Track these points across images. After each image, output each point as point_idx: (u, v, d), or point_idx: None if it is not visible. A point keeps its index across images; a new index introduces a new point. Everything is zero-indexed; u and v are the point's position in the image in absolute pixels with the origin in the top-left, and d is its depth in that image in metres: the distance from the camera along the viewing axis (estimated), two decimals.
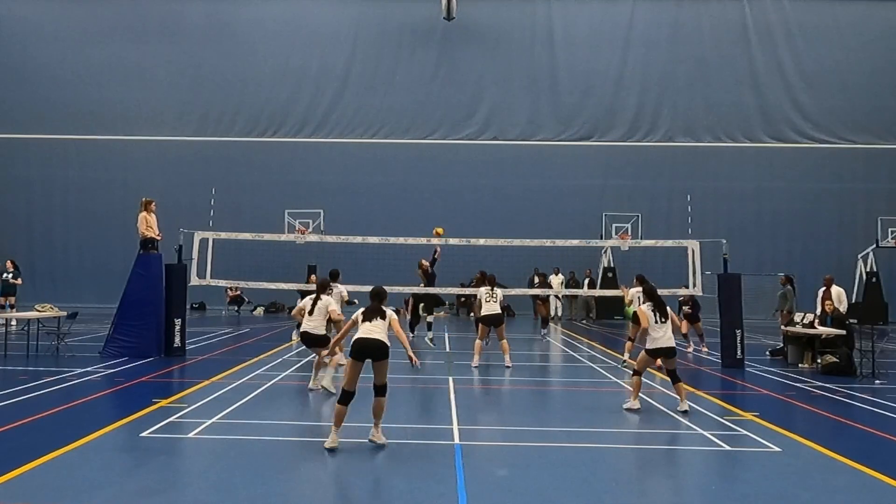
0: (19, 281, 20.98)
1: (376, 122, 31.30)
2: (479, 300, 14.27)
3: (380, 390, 7.67)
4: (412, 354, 7.79)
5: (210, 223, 25.99)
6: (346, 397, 7.59)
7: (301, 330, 10.86)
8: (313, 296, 10.90)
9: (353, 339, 7.80)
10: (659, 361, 10.67)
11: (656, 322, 9.91)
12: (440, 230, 17.96)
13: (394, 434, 8.32)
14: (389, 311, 8.00)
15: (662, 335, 9.86)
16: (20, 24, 31.49)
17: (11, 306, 20.18)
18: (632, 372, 10.36)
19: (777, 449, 7.71)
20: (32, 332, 14.36)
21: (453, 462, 7.01)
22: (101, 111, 30.86)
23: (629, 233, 26.66)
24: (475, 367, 13.51)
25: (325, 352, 10.18)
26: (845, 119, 30.63)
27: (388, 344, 7.73)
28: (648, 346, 9.97)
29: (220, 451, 7.44)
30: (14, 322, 16.65)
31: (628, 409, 9.76)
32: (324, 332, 10.65)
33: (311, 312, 10.65)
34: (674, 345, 9.98)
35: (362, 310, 8.03)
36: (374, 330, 7.76)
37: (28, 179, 31.06)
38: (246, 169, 30.70)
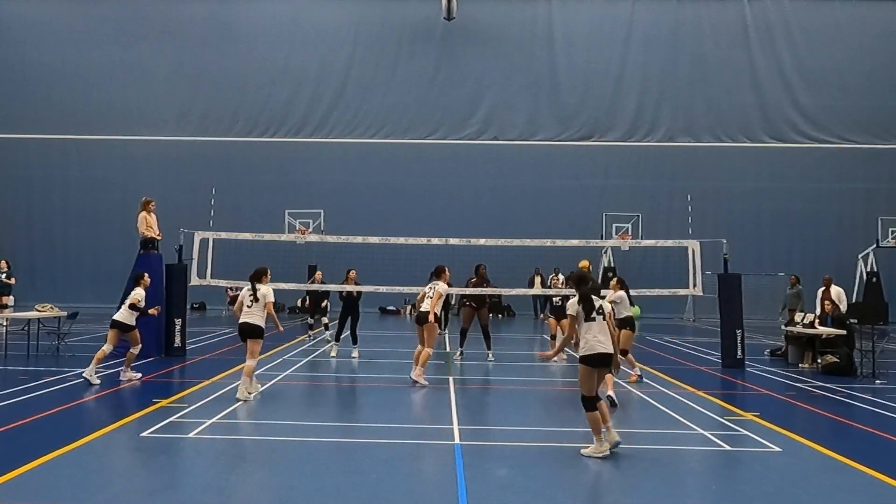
0: (13, 280, 21.03)
1: (376, 122, 31.31)
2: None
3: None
4: None
5: (210, 223, 26.00)
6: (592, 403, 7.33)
7: (241, 320, 10.27)
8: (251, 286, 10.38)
9: (591, 350, 7.37)
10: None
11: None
12: None
13: (394, 434, 8.32)
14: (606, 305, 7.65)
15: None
16: (20, 24, 31.51)
17: (6, 306, 20.20)
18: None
19: (777, 449, 7.71)
20: (32, 332, 14.35)
21: (453, 462, 7.00)
22: (101, 111, 30.87)
23: (629, 233, 26.62)
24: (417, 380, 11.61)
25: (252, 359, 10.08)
26: (845, 119, 30.64)
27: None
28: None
29: (220, 451, 7.43)
30: (5, 322, 16.59)
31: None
32: (262, 323, 10.25)
33: (250, 305, 10.23)
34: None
35: (579, 302, 7.49)
36: (605, 338, 7.41)
37: (28, 179, 31.07)
38: (246, 169, 30.70)
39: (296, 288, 19.07)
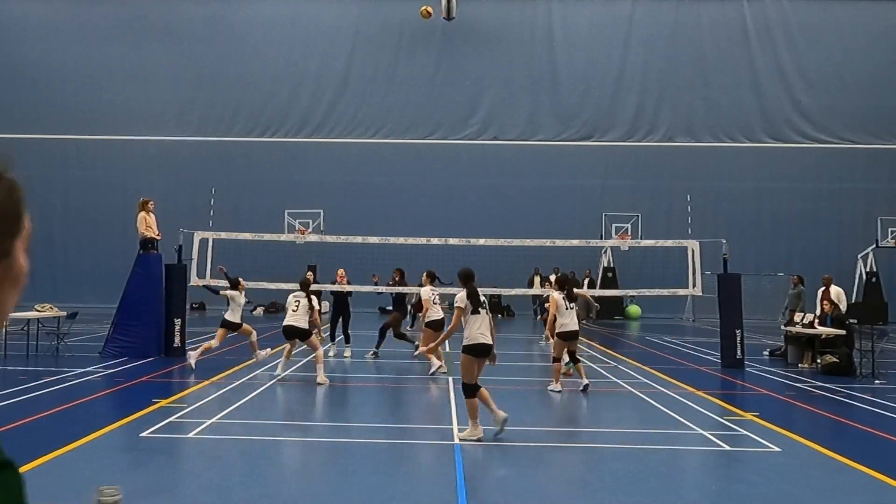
0: None
1: (376, 122, 31.30)
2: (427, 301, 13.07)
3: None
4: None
5: (210, 223, 26.00)
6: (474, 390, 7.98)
7: (285, 323, 11.87)
8: (298, 294, 12.06)
9: (473, 341, 7.92)
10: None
11: (566, 308, 11.04)
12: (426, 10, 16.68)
13: (394, 434, 8.32)
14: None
15: (570, 321, 11.05)
16: (20, 24, 31.50)
17: None
18: (552, 359, 11.52)
19: (777, 449, 7.71)
20: (32, 332, 14.34)
21: (453, 462, 7.01)
22: (101, 111, 30.86)
23: (629, 233, 26.65)
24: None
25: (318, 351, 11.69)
26: (845, 119, 30.62)
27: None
28: (559, 331, 11.10)
29: (220, 451, 7.44)
30: (5, 322, 16.51)
31: (552, 391, 10.93)
32: (306, 326, 11.81)
33: (295, 309, 11.84)
34: (578, 328, 11.27)
35: (468, 299, 8.04)
36: (486, 331, 8.06)
37: (28, 179, 30.52)
38: (246, 169, 30.70)
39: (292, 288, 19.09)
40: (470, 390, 7.89)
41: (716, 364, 14.60)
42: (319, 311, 12.09)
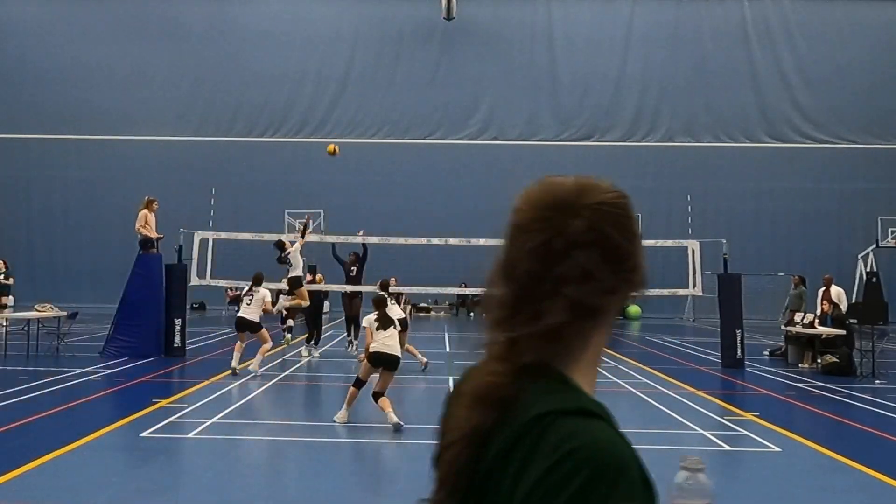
0: (11, 280, 21.01)
1: (376, 123, 31.30)
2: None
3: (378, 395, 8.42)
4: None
5: (210, 223, 25.99)
6: (360, 384, 8.58)
7: (238, 315, 12.45)
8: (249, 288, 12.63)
9: (369, 349, 8.49)
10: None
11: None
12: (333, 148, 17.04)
13: (394, 434, 8.32)
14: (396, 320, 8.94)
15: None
16: (20, 25, 31.51)
17: (6, 306, 20.18)
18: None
19: (777, 449, 7.71)
20: (32, 332, 14.34)
21: None
22: (102, 111, 30.86)
23: None
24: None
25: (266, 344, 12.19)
26: (845, 119, 30.62)
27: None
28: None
29: (220, 451, 7.44)
30: (5, 322, 16.53)
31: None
32: (258, 319, 12.32)
33: (248, 303, 12.33)
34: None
35: (375, 317, 8.75)
36: (389, 341, 8.60)
37: (28, 179, 31.05)
38: (246, 169, 30.69)
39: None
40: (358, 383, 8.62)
41: (716, 364, 14.60)
42: (273, 303, 12.87)
